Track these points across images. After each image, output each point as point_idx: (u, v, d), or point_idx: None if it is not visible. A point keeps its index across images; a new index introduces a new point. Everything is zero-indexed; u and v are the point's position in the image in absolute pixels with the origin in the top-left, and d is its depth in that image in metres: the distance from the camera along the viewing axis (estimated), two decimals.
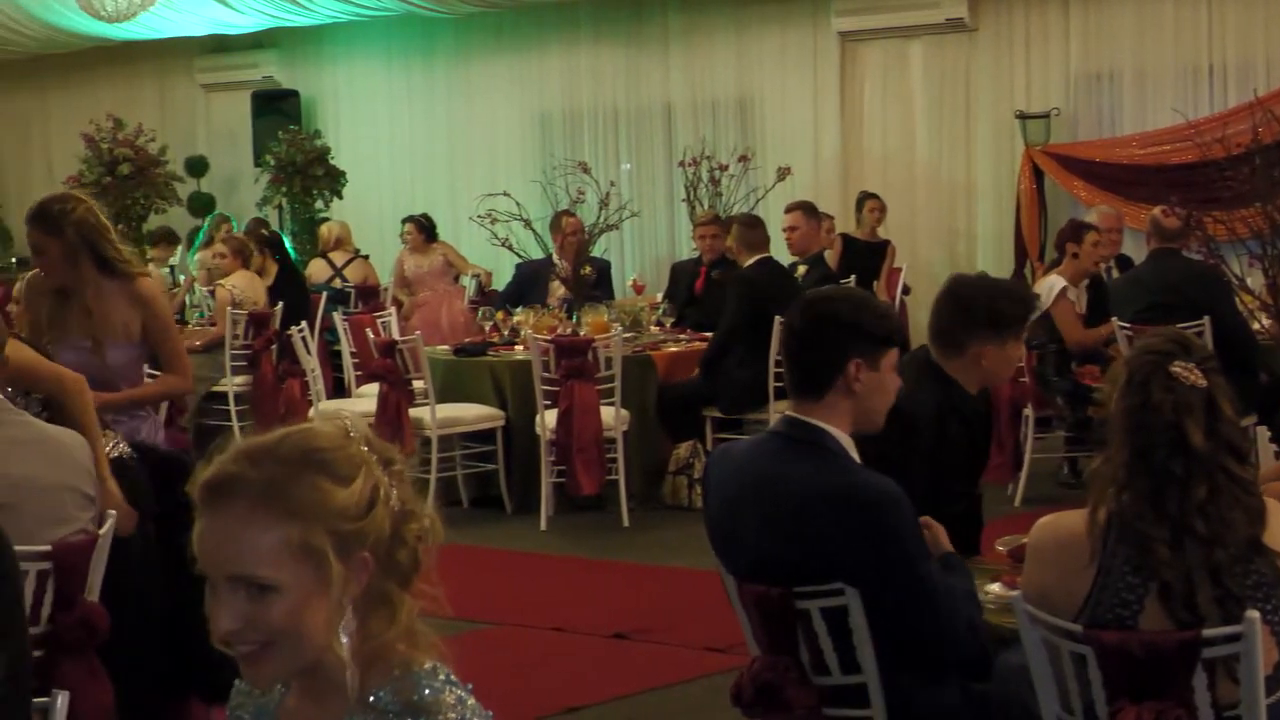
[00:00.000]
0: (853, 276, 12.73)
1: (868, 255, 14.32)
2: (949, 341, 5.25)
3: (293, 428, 2.39)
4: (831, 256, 13.69)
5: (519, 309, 11.93)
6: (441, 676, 2.36)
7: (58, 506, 4.95)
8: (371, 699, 2.34)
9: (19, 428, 4.96)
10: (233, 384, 13.08)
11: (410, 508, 2.40)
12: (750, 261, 11.10)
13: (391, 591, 2.36)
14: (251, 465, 2.31)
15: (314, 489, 2.29)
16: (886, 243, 14.70)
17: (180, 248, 17.77)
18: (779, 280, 10.97)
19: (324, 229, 16.56)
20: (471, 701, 2.36)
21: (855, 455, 4.47)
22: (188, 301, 15.88)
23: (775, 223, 12.37)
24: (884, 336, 4.52)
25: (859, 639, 4.36)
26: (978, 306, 5.23)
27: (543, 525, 10.39)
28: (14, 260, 20.07)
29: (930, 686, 4.44)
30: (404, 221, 15.77)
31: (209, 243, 16.14)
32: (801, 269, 12.09)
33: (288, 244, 15.64)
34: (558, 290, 12.28)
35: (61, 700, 3.81)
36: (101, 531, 5.01)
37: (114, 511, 5.11)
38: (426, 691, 2.33)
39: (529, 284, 12.87)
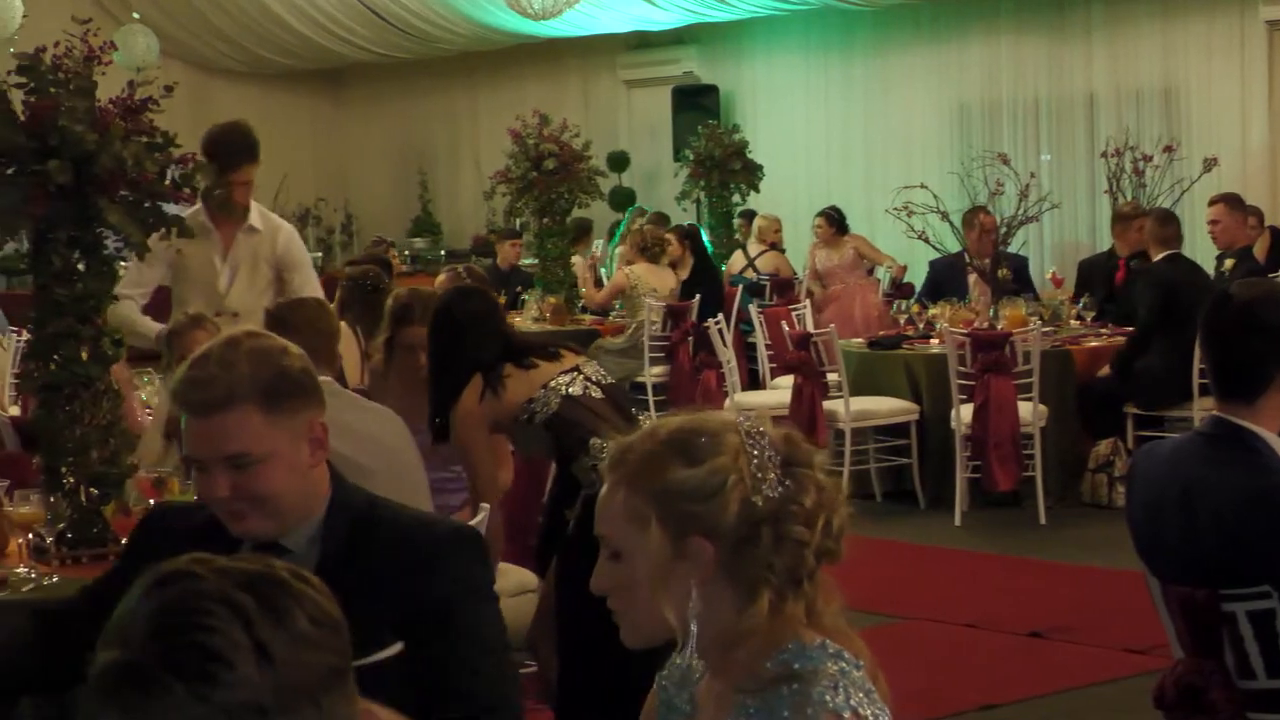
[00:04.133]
0: None
1: None
2: None
3: (692, 413, 2.54)
4: (1260, 250, 13.24)
5: (933, 303, 11.85)
6: (830, 650, 2.41)
7: (420, 482, 5.17)
8: (759, 672, 2.40)
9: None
10: (650, 375, 13.32)
11: (802, 510, 2.43)
12: (1160, 257, 10.87)
13: (755, 582, 2.42)
14: (643, 440, 2.50)
15: (660, 463, 2.45)
16: None
17: (600, 240, 18.16)
18: (1190, 276, 10.73)
19: (757, 220, 16.73)
20: (856, 675, 2.39)
21: None
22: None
23: (1201, 216, 12.06)
24: None
25: None
26: None
27: (957, 521, 10.32)
28: (443, 253, 20.80)
29: None
30: (815, 215, 15.85)
31: (628, 236, 16.47)
32: (1228, 263, 11.76)
33: (704, 238, 15.84)
34: (976, 285, 12.17)
35: None
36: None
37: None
38: (808, 662, 2.38)
39: (945, 279, 12.78)
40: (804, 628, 2.43)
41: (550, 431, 5.87)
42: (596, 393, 5.89)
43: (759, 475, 2.42)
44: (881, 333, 12.04)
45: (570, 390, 5.89)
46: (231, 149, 7.25)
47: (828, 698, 2.34)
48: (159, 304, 7.72)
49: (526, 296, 14.82)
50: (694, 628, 2.43)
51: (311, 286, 7.68)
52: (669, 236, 14.67)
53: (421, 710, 3.03)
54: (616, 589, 2.49)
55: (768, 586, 2.41)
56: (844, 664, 2.39)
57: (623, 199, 19.35)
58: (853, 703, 2.35)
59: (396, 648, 3.13)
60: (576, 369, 5.90)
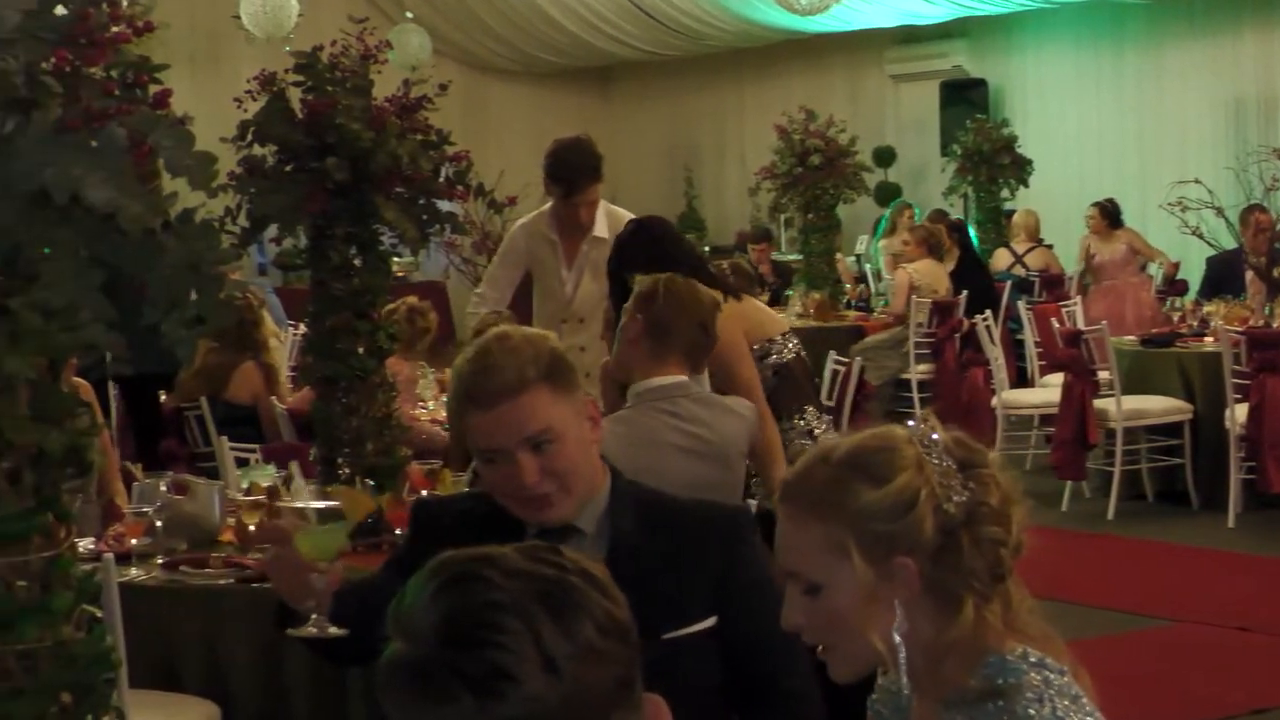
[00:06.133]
0: None
1: None
2: None
3: (856, 433, 2.49)
4: None
5: (1210, 300, 11.61)
6: (1033, 659, 2.37)
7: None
8: (961, 689, 2.38)
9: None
10: (916, 372, 13.24)
11: (991, 509, 2.41)
12: None
13: (958, 591, 2.38)
14: (814, 468, 2.44)
15: (846, 488, 2.39)
16: None
17: (865, 236, 18.09)
18: None
19: (1015, 217, 16.57)
20: (1061, 682, 2.36)
21: None
22: (873, 290, 16.16)
23: None
24: None
25: None
26: None
27: (1230, 522, 10.08)
28: (707, 249, 20.87)
29: None
30: (1089, 207, 15.61)
31: (891, 230, 16.39)
32: None
33: (971, 232, 15.69)
34: (1253, 283, 11.89)
35: None
36: None
37: None
38: (1010, 676, 2.35)
39: (1222, 276, 12.51)
40: (1004, 634, 2.40)
41: (776, 378, 5.91)
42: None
43: (945, 482, 2.39)
44: (1154, 330, 11.81)
45: (800, 351, 6.09)
46: (576, 171, 7.14)
47: (1032, 711, 2.32)
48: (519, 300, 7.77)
49: (790, 292, 14.81)
50: (902, 648, 2.39)
51: None
52: (938, 232, 14.61)
53: (728, 684, 3.24)
54: (817, 625, 2.43)
55: (971, 593, 2.38)
56: (1047, 672, 2.36)
57: (889, 194, 19.25)
58: (1058, 713, 2.32)
59: (709, 622, 3.24)
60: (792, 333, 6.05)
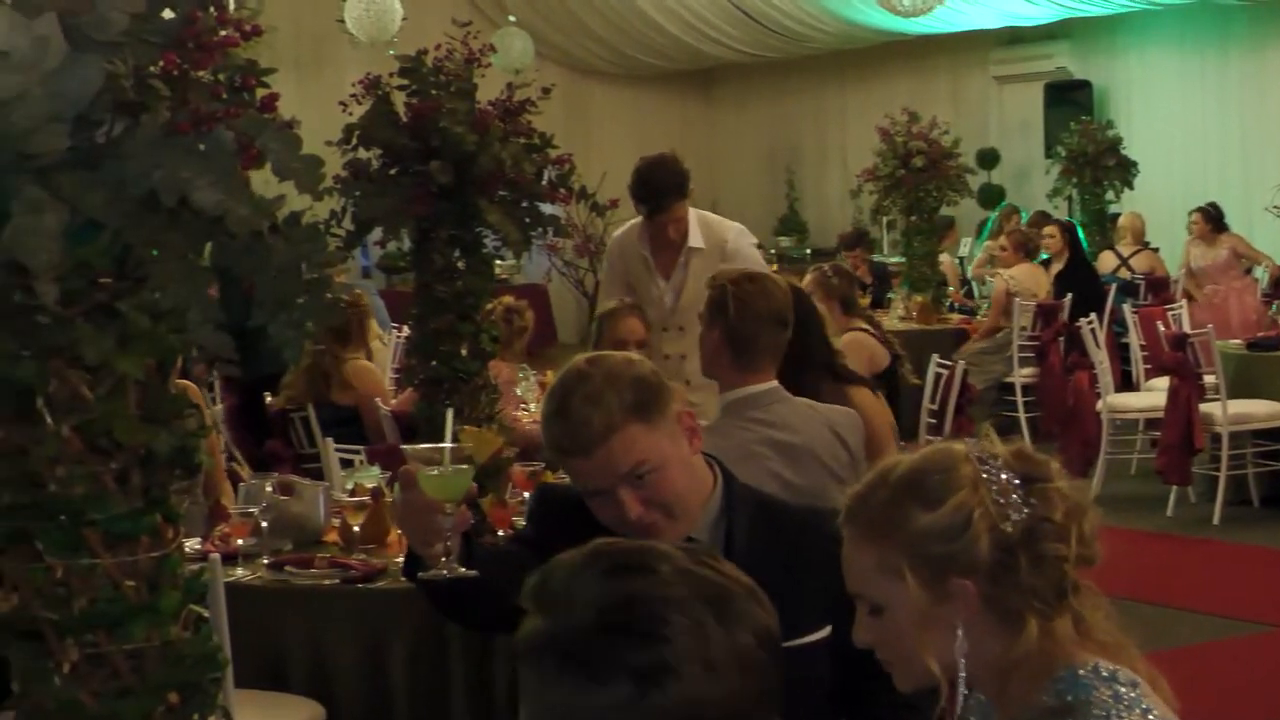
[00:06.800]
0: None
1: None
2: None
3: (916, 452, 2.48)
4: None
5: None
6: (1104, 674, 2.35)
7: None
8: (1031, 706, 2.37)
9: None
10: (1019, 376, 13.14)
11: (1054, 525, 2.38)
12: None
13: (1020, 609, 2.37)
14: (873, 490, 2.45)
15: (899, 511, 2.39)
16: None
17: (969, 238, 17.98)
18: None
19: (1121, 220, 16.44)
20: (1131, 696, 2.33)
21: None
22: (976, 292, 16.07)
23: None
24: None
25: None
26: None
27: None
28: (808, 251, 20.83)
29: None
30: (1191, 212, 15.46)
31: (997, 233, 16.27)
32: None
33: (1080, 235, 15.57)
34: None
35: None
36: None
37: None
38: (1080, 692, 2.33)
39: None
40: (1076, 646, 2.38)
41: None
42: None
43: (1002, 501, 2.38)
44: (1260, 334, 11.67)
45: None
46: (658, 191, 7.11)
47: None
48: None
49: (893, 295, 14.75)
50: (963, 668, 2.39)
51: None
52: (1052, 230, 14.53)
53: (839, 690, 3.28)
54: (882, 644, 2.45)
55: (1032, 611, 2.37)
56: (1118, 686, 2.34)
57: (992, 196, 19.14)
58: None
59: (825, 631, 3.26)
60: None
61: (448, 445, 3.23)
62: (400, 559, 4.88)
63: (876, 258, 17.19)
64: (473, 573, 3.21)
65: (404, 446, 3.44)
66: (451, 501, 3.18)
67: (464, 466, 3.23)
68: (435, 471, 3.19)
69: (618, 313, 6.72)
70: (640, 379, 3.27)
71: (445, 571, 3.20)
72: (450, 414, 3.55)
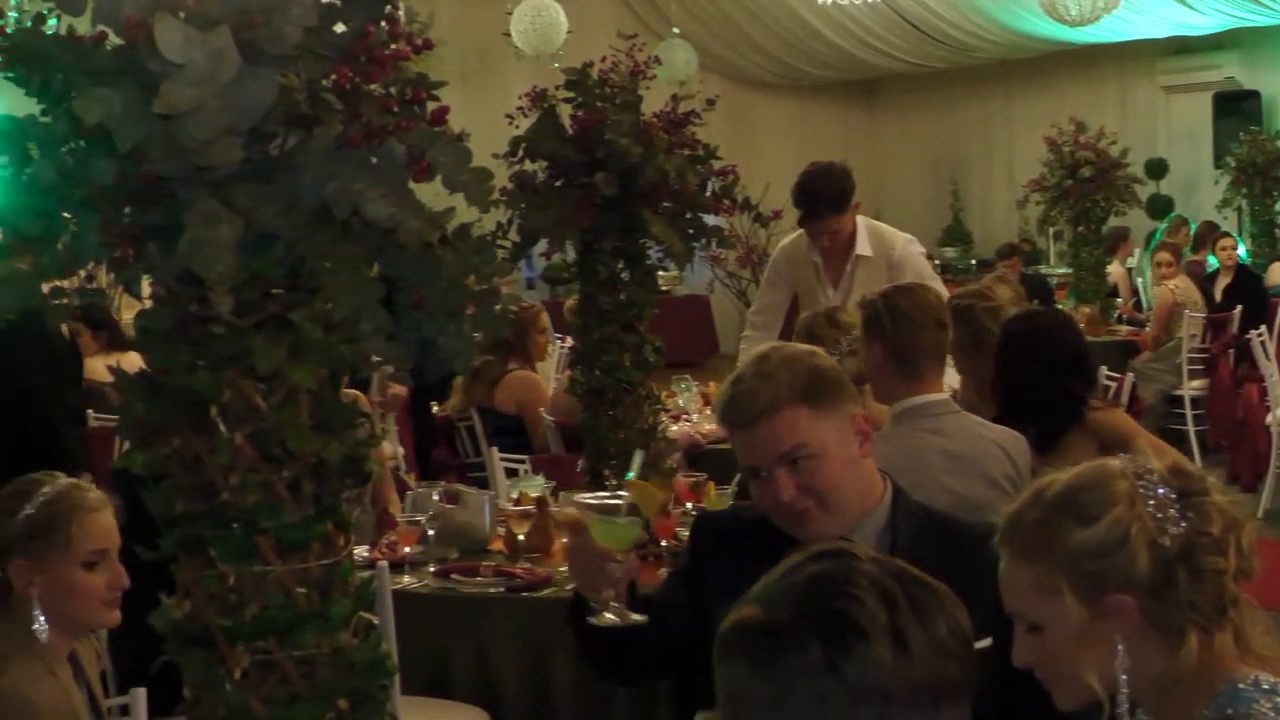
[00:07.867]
0: None
1: None
2: None
3: (1071, 470, 2.46)
4: None
5: None
6: (1265, 686, 2.32)
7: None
8: (1196, 718, 2.34)
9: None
10: (1189, 388, 12.94)
11: (1212, 538, 2.36)
12: None
13: (1180, 623, 2.35)
14: (1029, 508, 2.44)
15: (1055, 529, 2.38)
16: None
17: (1138, 249, 17.74)
18: None
19: None
20: None
21: None
22: (1145, 304, 15.85)
23: None
24: None
25: None
26: None
27: None
28: (974, 262, 20.66)
29: None
30: None
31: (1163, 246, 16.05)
32: None
33: (1241, 246, 15.32)
34: None
35: None
36: None
37: None
38: (1241, 705, 2.31)
39: None
40: (1236, 660, 2.36)
41: None
42: None
43: (1159, 516, 2.36)
44: None
45: None
46: (814, 202, 7.03)
47: None
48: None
49: (1060, 306, 14.59)
50: (1125, 684, 2.37)
51: None
52: (1228, 242, 14.33)
53: (1004, 702, 3.19)
54: (1042, 663, 2.44)
55: (1193, 626, 2.35)
56: (1279, 699, 2.31)
57: (1161, 207, 18.88)
58: None
59: (985, 643, 3.21)
60: None
61: (620, 500, 3.30)
62: (564, 568, 4.91)
63: (1042, 268, 17.00)
64: (642, 617, 3.27)
65: (576, 498, 3.52)
66: (620, 550, 3.25)
67: (634, 519, 3.29)
68: (606, 521, 3.25)
69: (819, 323, 6.59)
70: (817, 369, 3.33)
71: (615, 617, 3.25)
72: (639, 455, 3.62)
